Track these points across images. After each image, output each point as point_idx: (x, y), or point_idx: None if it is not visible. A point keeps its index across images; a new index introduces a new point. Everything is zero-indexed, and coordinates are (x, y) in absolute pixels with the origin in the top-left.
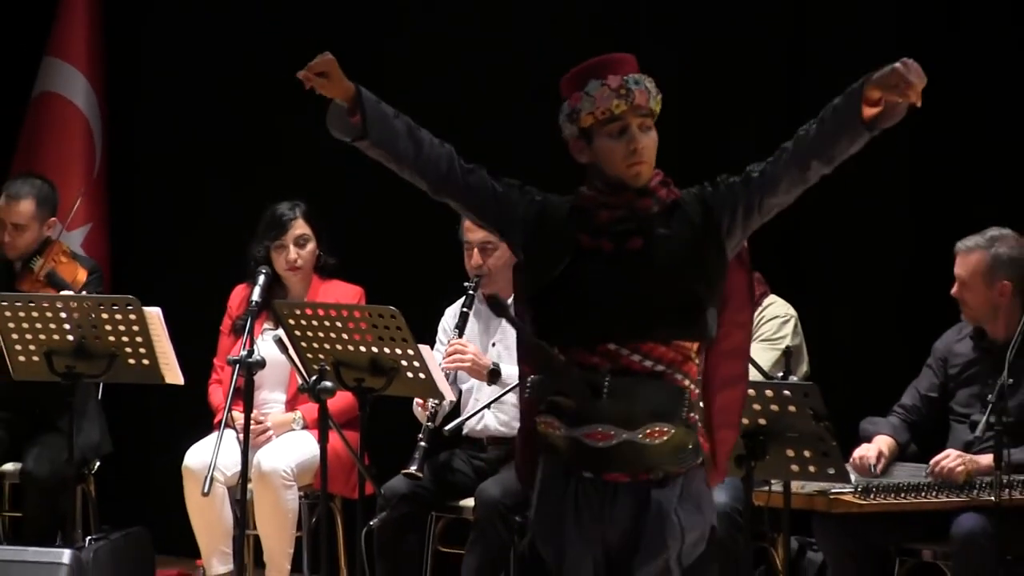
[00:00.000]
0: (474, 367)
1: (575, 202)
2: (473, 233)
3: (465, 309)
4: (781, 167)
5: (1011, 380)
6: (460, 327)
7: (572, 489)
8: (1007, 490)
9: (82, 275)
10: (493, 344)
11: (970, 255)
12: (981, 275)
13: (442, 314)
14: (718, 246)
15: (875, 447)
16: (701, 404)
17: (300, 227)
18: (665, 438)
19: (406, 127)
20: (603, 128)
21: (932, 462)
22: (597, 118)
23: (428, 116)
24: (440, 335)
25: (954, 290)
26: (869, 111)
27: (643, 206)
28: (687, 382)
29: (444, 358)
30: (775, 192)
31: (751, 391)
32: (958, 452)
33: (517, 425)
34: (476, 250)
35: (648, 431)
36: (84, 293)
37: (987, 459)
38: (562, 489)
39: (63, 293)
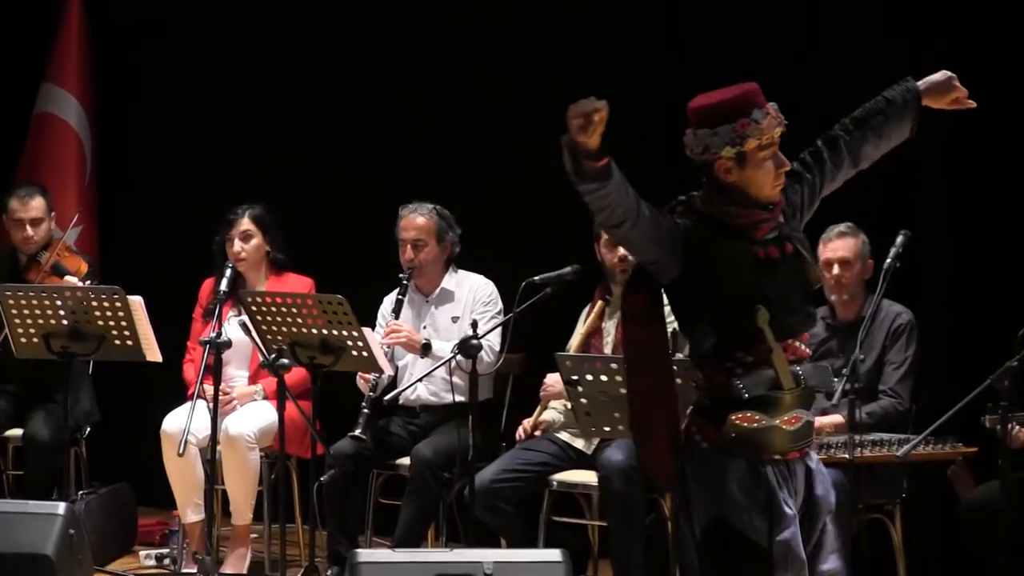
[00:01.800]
0: (409, 343)
1: (727, 220)
2: (407, 232)
3: (400, 296)
4: (840, 161)
5: (862, 356)
6: (396, 311)
7: (765, 475)
8: (859, 449)
9: (84, 266)
10: (424, 327)
11: (848, 238)
12: (860, 256)
13: (381, 302)
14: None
15: None
16: None
17: (245, 224)
18: (816, 414)
19: (621, 173)
20: (760, 152)
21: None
22: (762, 144)
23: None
24: (380, 319)
25: (835, 270)
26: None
27: (777, 215)
28: None
29: (383, 336)
30: (833, 183)
31: None
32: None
33: (446, 395)
34: (409, 246)
35: (816, 409)
36: (88, 282)
37: (833, 418)
38: (754, 478)
39: (64, 281)
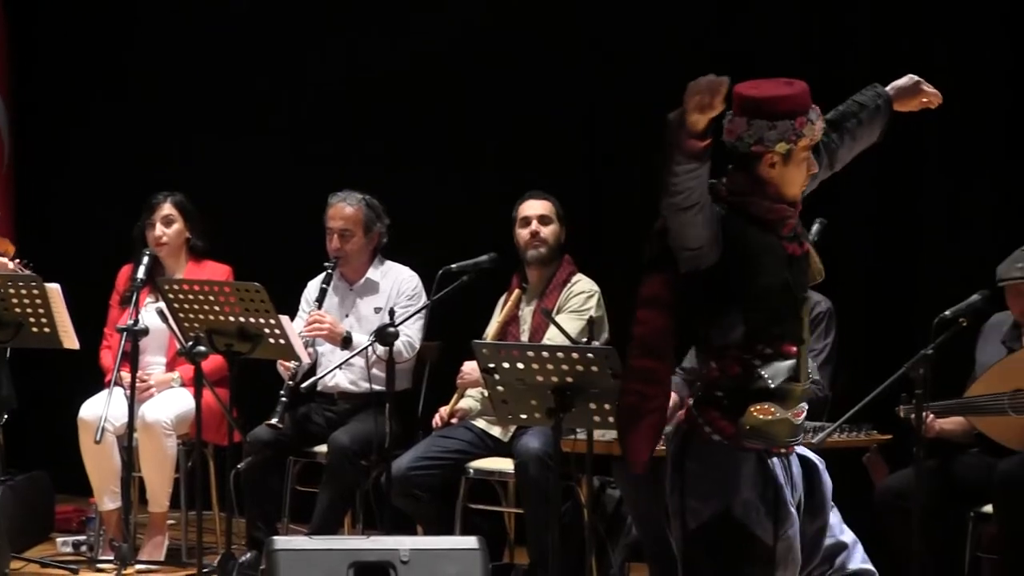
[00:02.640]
0: (331, 334)
1: (757, 212)
2: (334, 221)
3: (324, 285)
4: (822, 163)
5: None
6: (320, 300)
7: (773, 470)
8: None
9: (11, 248)
10: (347, 316)
11: None
12: None
13: (300, 290)
14: None
15: None
16: None
17: (167, 209)
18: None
19: None
20: (803, 152)
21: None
22: (809, 144)
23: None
24: (303, 304)
25: None
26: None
27: (797, 214)
28: None
29: (305, 326)
30: (813, 185)
31: (560, 354)
32: None
33: (363, 383)
34: (336, 236)
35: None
36: (16, 261)
37: None
38: (763, 473)
39: None
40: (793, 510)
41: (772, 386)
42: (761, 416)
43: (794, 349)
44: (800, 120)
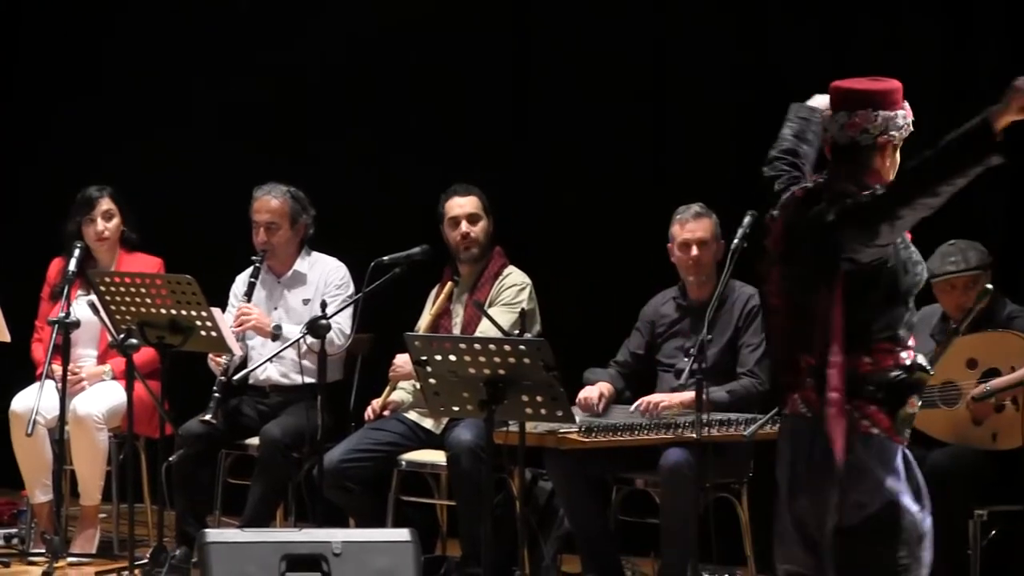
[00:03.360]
0: (259, 327)
1: None
2: (260, 215)
3: (252, 279)
4: None
5: (710, 336)
6: (248, 294)
7: (911, 460)
8: (706, 428)
9: None
10: (276, 308)
11: (703, 219)
12: (715, 236)
13: (232, 282)
14: None
15: (596, 389)
16: None
17: (106, 204)
18: None
19: None
20: (893, 151)
21: (638, 401)
22: (898, 141)
23: None
24: (232, 299)
25: (694, 251)
26: None
27: None
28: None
29: (234, 320)
30: None
31: (492, 346)
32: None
33: (295, 376)
34: (262, 229)
35: None
36: None
37: (683, 395)
38: (906, 459)
39: None
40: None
41: (931, 373)
42: (911, 409)
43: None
44: (909, 109)
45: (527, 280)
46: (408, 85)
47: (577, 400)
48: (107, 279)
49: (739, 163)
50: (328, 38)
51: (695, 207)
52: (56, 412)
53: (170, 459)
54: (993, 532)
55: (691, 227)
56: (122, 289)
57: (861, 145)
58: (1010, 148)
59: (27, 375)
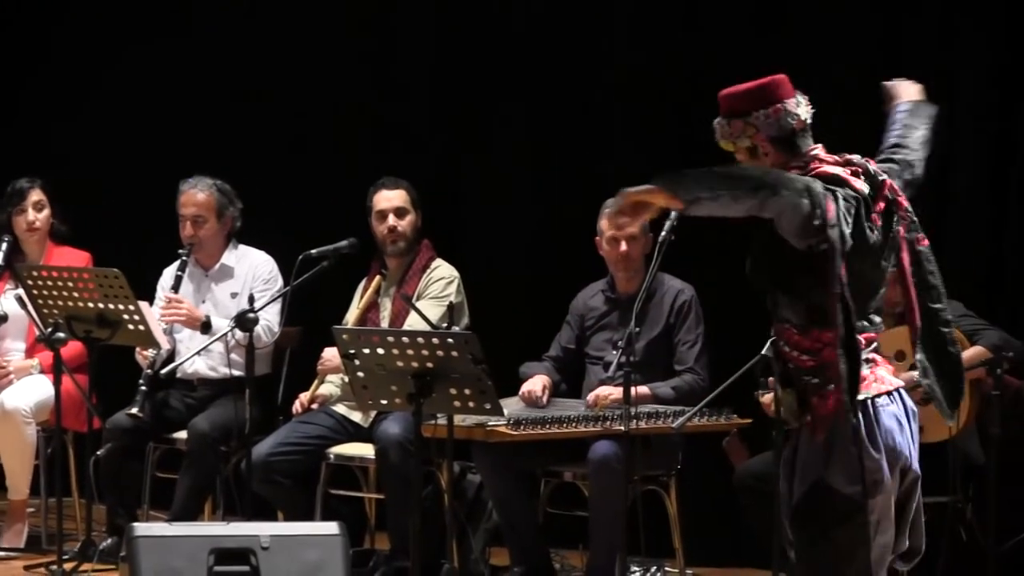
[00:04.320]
0: (188, 320)
1: None
2: (186, 208)
3: (179, 273)
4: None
5: (638, 329)
6: (175, 288)
7: None
8: (634, 421)
9: None
10: (203, 301)
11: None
12: (644, 230)
13: (160, 275)
14: None
15: (539, 382)
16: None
17: (37, 195)
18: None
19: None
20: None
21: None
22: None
23: None
24: (159, 292)
25: (623, 247)
26: None
27: None
28: (787, 348)
29: (162, 310)
30: None
31: (420, 339)
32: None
33: (223, 369)
34: (189, 223)
35: None
36: None
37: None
38: None
39: None
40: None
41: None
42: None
43: None
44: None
45: (455, 273)
46: (331, 77)
47: (520, 394)
48: (35, 273)
49: (669, 155)
50: (247, 26)
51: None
52: None
53: (98, 453)
54: None
55: (611, 220)
56: (49, 283)
57: (785, 133)
58: None
59: None
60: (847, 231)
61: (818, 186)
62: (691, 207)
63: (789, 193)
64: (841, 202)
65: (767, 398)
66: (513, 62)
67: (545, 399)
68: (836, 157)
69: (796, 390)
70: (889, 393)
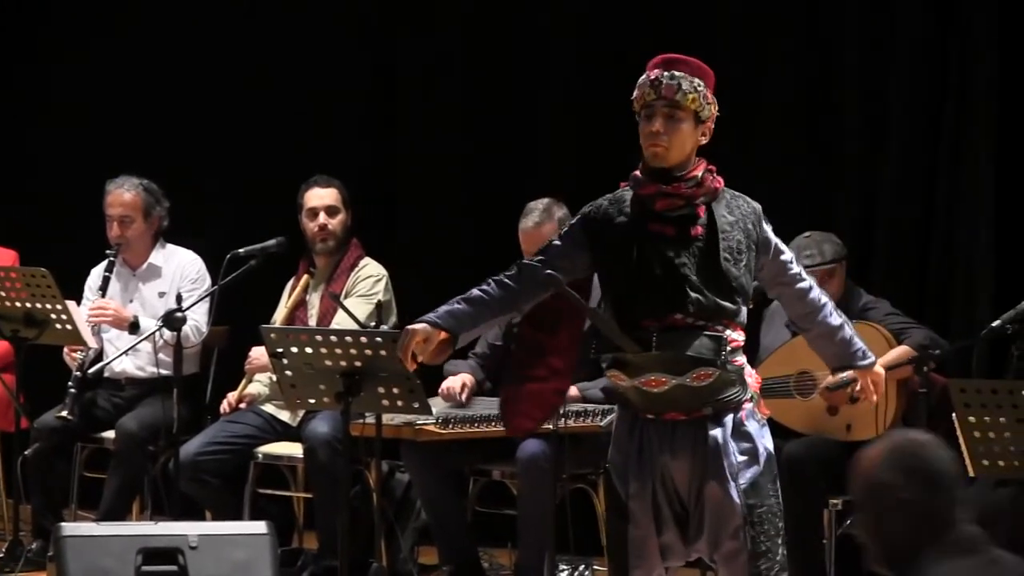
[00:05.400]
0: (116, 321)
1: (636, 190)
2: (113, 208)
3: (107, 273)
4: (792, 292)
5: None
6: (103, 288)
7: (638, 431)
8: (563, 419)
9: None
10: (131, 301)
11: (543, 226)
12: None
13: (88, 274)
14: (752, 263)
15: (459, 380)
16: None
17: None
18: (711, 380)
19: (480, 314)
20: (641, 113)
21: None
22: (639, 104)
23: None
24: (87, 292)
25: (528, 248)
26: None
27: (695, 195)
28: (727, 332)
29: (88, 314)
30: (769, 278)
31: (348, 338)
32: None
33: (151, 369)
34: (116, 223)
35: (696, 375)
36: None
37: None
38: (630, 432)
39: None
40: (636, 469)
41: (613, 354)
42: (618, 382)
43: (650, 322)
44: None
45: (383, 272)
46: (261, 75)
47: (440, 391)
48: None
49: (597, 157)
50: (182, 23)
51: (537, 212)
52: None
53: (25, 453)
54: (848, 521)
55: (532, 238)
56: None
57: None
58: None
59: None
60: None
61: None
62: None
63: None
64: None
65: None
66: (446, 61)
67: (465, 397)
68: None
69: (736, 370)
70: None
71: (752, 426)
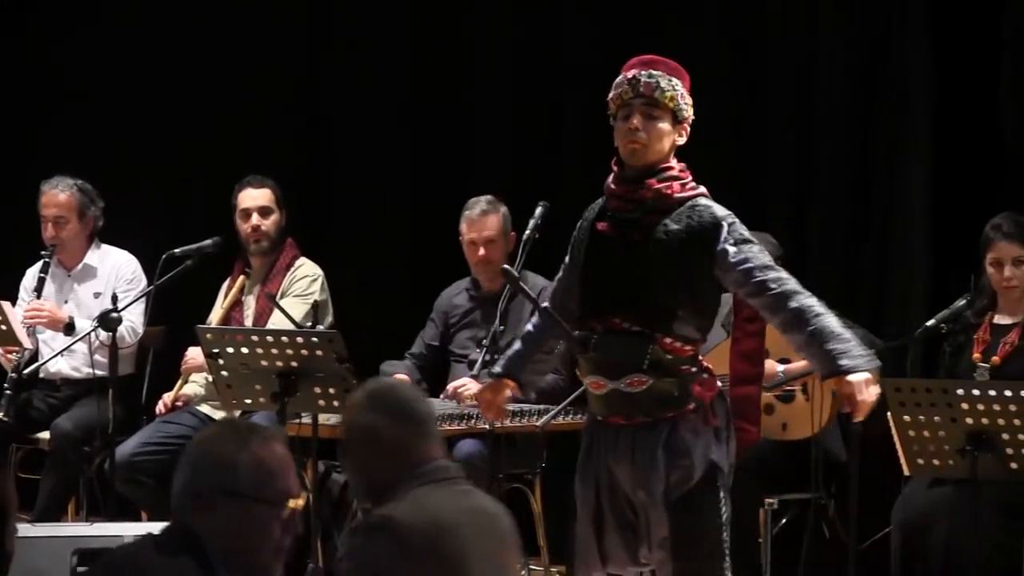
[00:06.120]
0: (51, 322)
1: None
2: (48, 209)
3: (42, 274)
4: (760, 302)
5: (502, 327)
6: (38, 289)
7: (590, 431)
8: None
9: None
10: (66, 302)
11: (489, 216)
12: (503, 231)
13: (24, 275)
14: (709, 274)
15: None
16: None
17: None
18: (644, 387)
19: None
20: (618, 113)
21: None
22: (616, 104)
23: None
24: (22, 293)
25: (482, 251)
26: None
27: (641, 196)
28: (666, 340)
29: (23, 316)
30: (738, 292)
31: (284, 338)
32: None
33: (86, 369)
34: (50, 224)
35: (629, 381)
36: None
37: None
38: (586, 431)
39: None
40: (583, 470)
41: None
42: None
43: (596, 324)
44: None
45: (319, 271)
46: (197, 74)
47: None
48: None
49: (530, 153)
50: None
51: (483, 202)
52: None
53: None
54: (783, 520)
55: (478, 226)
56: None
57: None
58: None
59: None
60: None
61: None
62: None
63: None
64: None
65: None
66: (382, 60)
67: None
68: None
69: (677, 379)
70: None
71: (689, 438)
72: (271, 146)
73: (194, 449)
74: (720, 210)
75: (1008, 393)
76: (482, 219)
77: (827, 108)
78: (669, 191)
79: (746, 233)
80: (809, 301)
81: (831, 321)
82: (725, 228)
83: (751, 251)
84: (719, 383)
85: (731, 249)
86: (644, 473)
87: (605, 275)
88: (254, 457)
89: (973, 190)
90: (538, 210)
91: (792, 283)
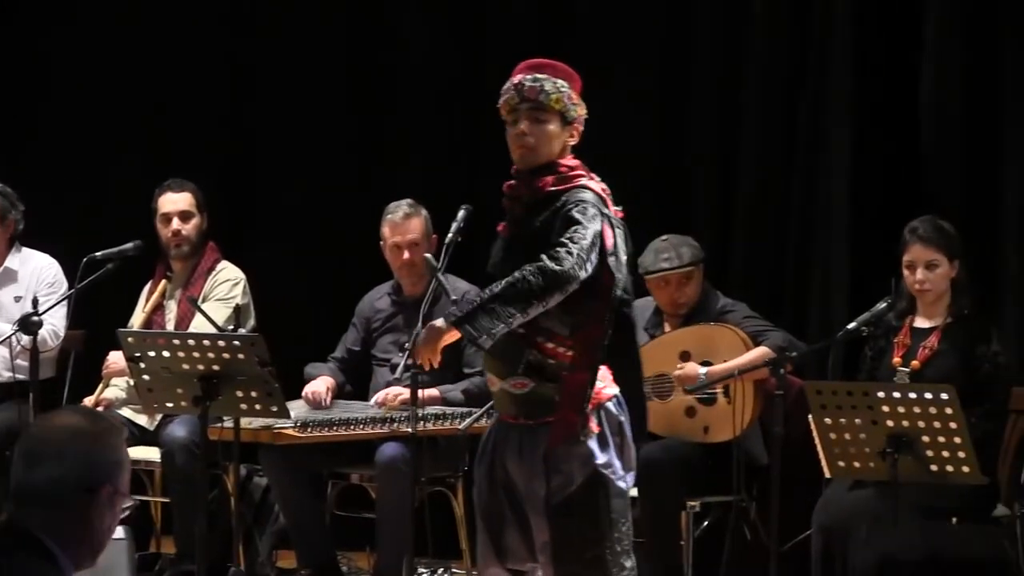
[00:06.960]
0: None
1: None
2: None
3: None
4: None
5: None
6: None
7: (493, 428)
8: (421, 422)
9: None
10: None
11: (411, 220)
12: (426, 234)
13: None
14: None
15: (323, 383)
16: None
17: None
18: (526, 390)
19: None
20: (508, 118)
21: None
22: (505, 110)
23: None
24: None
25: (406, 255)
26: None
27: (519, 193)
28: (549, 344)
29: None
30: None
31: (206, 342)
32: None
33: (6, 373)
34: None
35: (513, 382)
36: None
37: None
38: (491, 426)
39: None
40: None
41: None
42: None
43: None
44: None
45: (241, 275)
46: (122, 76)
47: (304, 395)
48: None
49: (454, 155)
50: (48, 35)
51: (404, 206)
52: None
53: None
54: (705, 523)
55: (401, 230)
56: None
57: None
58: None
59: None
60: (623, 258)
61: (595, 226)
62: (494, 340)
63: (562, 280)
64: (618, 230)
65: None
66: (297, 62)
67: (328, 400)
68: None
69: (559, 384)
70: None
71: (574, 444)
72: (193, 147)
73: (53, 443)
74: (583, 194)
75: (928, 396)
76: (405, 222)
77: (749, 109)
78: (542, 184)
79: (579, 216)
80: (517, 275)
81: (494, 289)
82: (580, 200)
83: (574, 233)
84: (612, 390)
85: (571, 214)
86: (528, 475)
87: (497, 273)
88: (116, 450)
89: (895, 191)
90: (460, 213)
91: (549, 264)
